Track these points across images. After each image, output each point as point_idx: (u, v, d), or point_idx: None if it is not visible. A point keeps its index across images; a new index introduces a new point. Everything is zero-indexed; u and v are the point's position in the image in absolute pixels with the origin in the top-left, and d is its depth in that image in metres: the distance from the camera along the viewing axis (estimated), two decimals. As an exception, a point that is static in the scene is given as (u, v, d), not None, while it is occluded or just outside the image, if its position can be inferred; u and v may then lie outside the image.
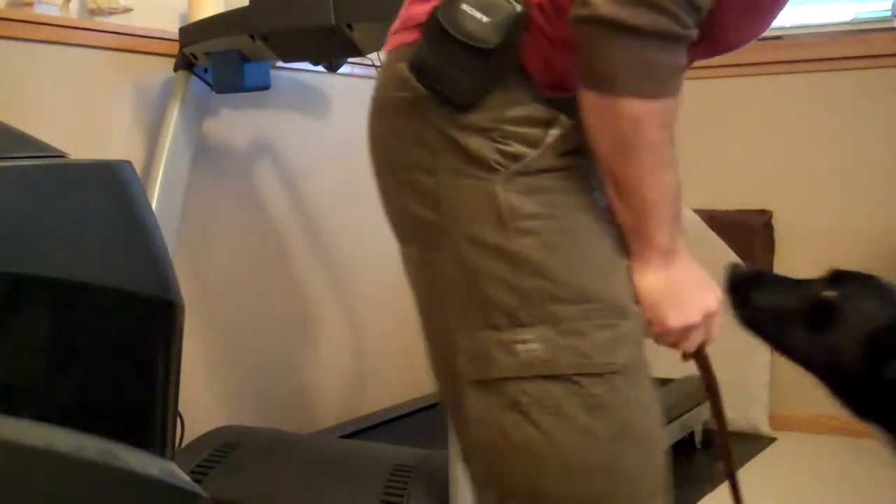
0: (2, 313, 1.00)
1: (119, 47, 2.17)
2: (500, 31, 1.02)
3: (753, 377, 2.96)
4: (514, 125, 1.04)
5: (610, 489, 1.05)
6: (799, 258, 3.03)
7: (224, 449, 2.10)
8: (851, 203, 2.98)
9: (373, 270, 2.96)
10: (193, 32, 2.13)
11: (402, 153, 1.12)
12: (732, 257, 2.79)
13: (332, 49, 2.06)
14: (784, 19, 3.16)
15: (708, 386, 1.20)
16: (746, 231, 3.06)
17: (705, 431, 2.96)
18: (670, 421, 2.64)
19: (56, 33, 2.03)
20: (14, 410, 1.01)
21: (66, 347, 1.06)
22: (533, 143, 1.04)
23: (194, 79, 2.19)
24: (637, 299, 1.08)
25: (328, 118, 2.79)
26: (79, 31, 2.08)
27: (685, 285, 1.09)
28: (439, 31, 1.04)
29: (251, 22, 2.02)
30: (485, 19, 1.02)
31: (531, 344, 1.03)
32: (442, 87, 1.05)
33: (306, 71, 2.65)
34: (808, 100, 3.05)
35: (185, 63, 2.19)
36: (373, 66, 2.71)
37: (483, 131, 1.04)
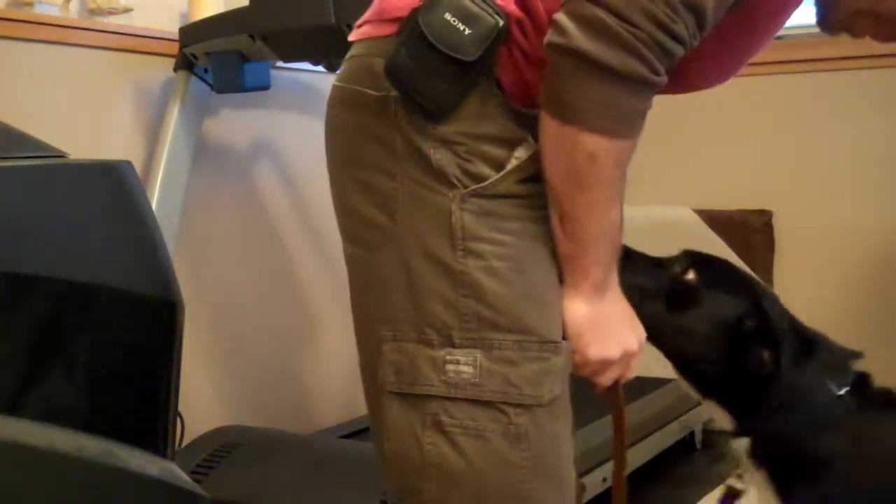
0: (2, 313, 1.00)
1: (119, 47, 2.17)
2: (481, 44, 1.00)
3: (753, 377, 2.96)
4: (481, 142, 1.03)
5: None
6: (799, 258, 3.03)
7: (224, 449, 2.10)
8: (851, 203, 2.98)
9: (373, 270, 2.96)
10: (193, 32, 2.13)
11: (363, 150, 1.10)
12: (732, 257, 2.79)
13: (332, 49, 2.06)
14: (784, 19, 3.16)
15: (615, 421, 1.20)
16: (746, 231, 3.06)
17: (705, 431, 2.96)
18: (670, 421, 2.64)
19: (56, 33, 2.03)
20: (14, 410, 1.01)
21: (66, 347, 1.06)
22: (496, 165, 1.03)
23: (194, 79, 2.19)
24: (563, 327, 1.08)
25: (328, 118, 2.79)
26: (79, 31, 2.08)
27: (611, 321, 1.09)
28: (418, 37, 1.01)
29: (251, 22, 2.02)
30: (467, 31, 1.00)
31: (462, 366, 1.03)
32: (415, 94, 1.03)
33: (306, 71, 2.65)
34: (808, 100, 3.05)
35: (185, 63, 2.19)
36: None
37: (449, 144, 1.04)
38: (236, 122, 2.50)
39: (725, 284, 1.33)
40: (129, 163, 1.15)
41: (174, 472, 1.16)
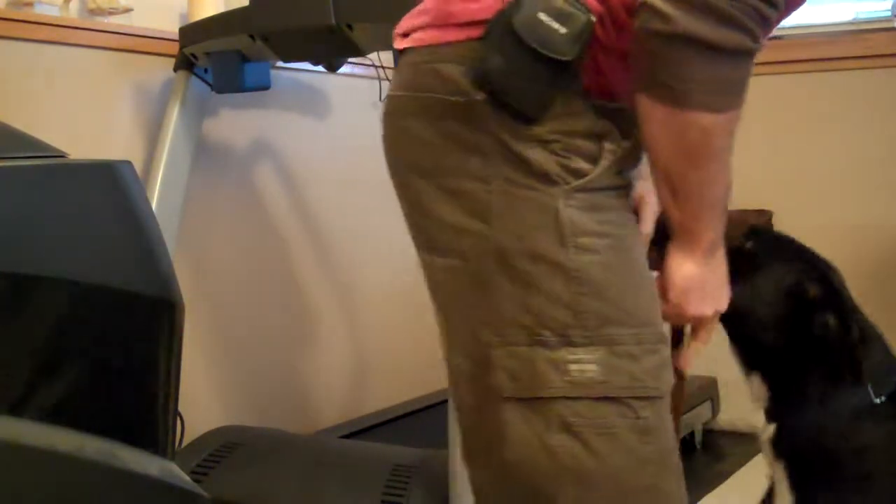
0: (2, 313, 1.00)
1: (119, 47, 2.17)
2: (576, 42, 1.00)
3: (753, 377, 2.96)
4: (574, 138, 1.03)
5: None
6: (799, 258, 3.03)
7: (224, 449, 2.10)
8: (851, 203, 2.98)
9: (373, 270, 2.96)
10: (193, 32, 2.13)
11: (448, 159, 1.07)
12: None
13: (332, 49, 2.06)
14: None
15: (675, 391, 1.16)
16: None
17: (705, 431, 2.97)
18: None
19: (56, 33, 2.03)
20: (14, 410, 1.01)
21: (67, 347, 1.06)
22: (591, 159, 1.03)
23: (194, 79, 2.19)
24: (665, 270, 1.10)
25: (328, 118, 2.79)
26: (79, 31, 2.08)
27: (713, 282, 1.12)
28: (512, 40, 1.01)
29: (251, 22, 2.02)
30: (562, 30, 1.00)
31: (586, 364, 1.01)
32: (511, 98, 1.02)
33: (306, 71, 2.65)
34: (808, 100, 3.05)
35: (185, 63, 2.18)
36: (373, 66, 2.72)
37: (545, 143, 1.03)
38: (236, 122, 2.50)
39: (789, 254, 1.34)
40: (129, 163, 1.15)
41: (174, 472, 1.16)
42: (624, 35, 1.00)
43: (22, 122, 1.21)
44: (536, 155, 1.03)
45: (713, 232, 1.08)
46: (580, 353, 1.01)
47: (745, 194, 3.13)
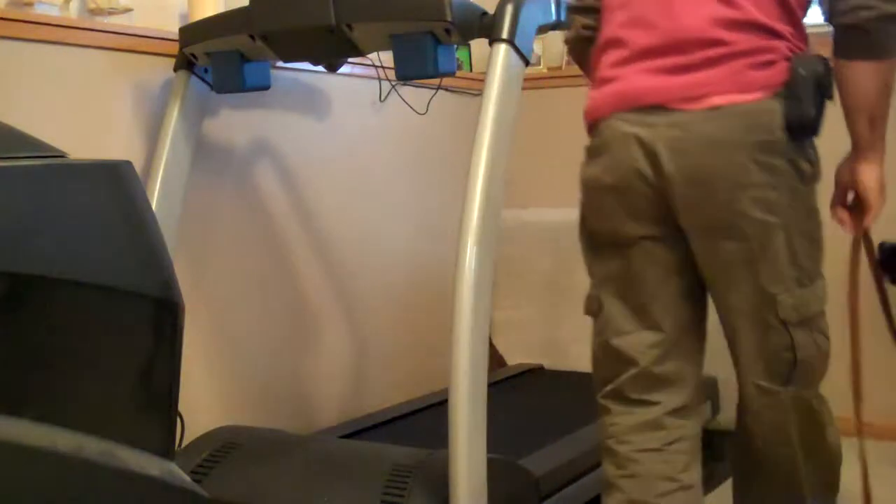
0: (2, 313, 1.00)
1: (119, 47, 2.17)
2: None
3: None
4: (809, 149, 1.68)
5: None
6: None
7: (224, 449, 2.10)
8: (851, 203, 2.98)
9: (373, 270, 2.96)
10: (193, 32, 2.13)
11: (756, 176, 1.60)
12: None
13: (332, 49, 2.06)
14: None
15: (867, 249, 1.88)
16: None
17: (705, 431, 2.96)
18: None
19: (56, 33, 2.03)
20: (14, 410, 1.01)
21: (67, 347, 1.06)
22: (814, 163, 1.69)
23: (194, 79, 2.19)
24: (860, 182, 1.73)
25: (328, 118, 2.79)
26: (79, 31, 2.08)
27: (882, 179, 1.73)
28: (817, 94, 1.63)
29: (251, 22, 2.02)
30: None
31: (820, 291, 1.70)
32: (813, 132, 1.66)
33: (306, 71, 2.65)
34: (808, 100, 3.05)
35: (185, 63, 2.18)
36: (373, 66, 2.72)
37: (807, 157, 1.66)
38: (236, 122, 2.50)
39: None
40: (129, 163, 1.15)
41: (174, 472, 1.16)
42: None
43: (22, 122, 1.21)
44: (805, 166, 1.65)
45: (883, 143, 1.71)
46: (818, 285, 1.70)
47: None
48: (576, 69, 3.44)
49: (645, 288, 1.74)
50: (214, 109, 2.41)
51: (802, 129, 1.61)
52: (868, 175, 1.72)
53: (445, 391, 1.77)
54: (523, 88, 1.89)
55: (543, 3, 1.90)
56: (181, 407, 1.27)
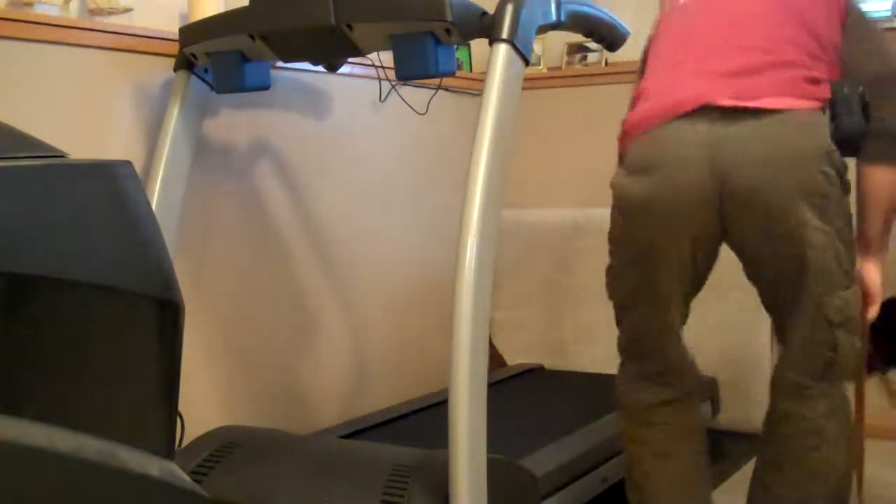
0: (2, 313, 1.00)
1: (119, 47, 2.17)
2: None
3: (753, 377, 2.96)
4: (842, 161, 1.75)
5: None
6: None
7: (224, 449, 2.10)
8: (851, 203, 2.97)
9: (373, 270, 2.96)
10: (193, 32, 2.13)
11: (815, 185, 1.68)
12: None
13: (332, 49, 2.06)
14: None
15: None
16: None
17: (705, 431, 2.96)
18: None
19: (56, 33, 2.03)
20: (14, 410, 1.01)
21: (66, 347, 1.06)
22: (846, 172, 1.76)
23: (194, 79, 2.19)
24: (867, 279, 1.89)
25: (328, 118, 2.79)
26: (79, 31, 2.08)
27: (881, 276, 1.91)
28: (862, 108, 1.73)
29: (251, 22, 2.02)
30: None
31: (858, 295, 1.81)
32: (857, 149, 1.77)
33: (306, 71, 2.65)
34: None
35: (185, 63, 2.18)
36: (373, 66, 2.72)
37: (845, 165, 1.74)
38: (236, 122, 2.50)
39: None
40: (129, 163, 1.15)
41: (174, 472, 1.16)
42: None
43: (22, 122, 1.21)
44: (845, 176, 1.74)
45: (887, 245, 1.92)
46: (856, 291, 1.80)
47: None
48: (576, 69, 3.46)
49: (662, 290, 1.86)
50: (214, 109, 2.42)
51: (850, 142, 1.73)
52: (875, 273, 1.90)
53: (445, 391, 1.77)
54: (523, 88, 1.89)
55: (543, 3, 1.90)
56: (181, 407, 1.27)
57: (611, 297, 1.99)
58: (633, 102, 1.90)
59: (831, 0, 1.83)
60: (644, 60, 1.99)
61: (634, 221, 1.82)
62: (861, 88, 1.72)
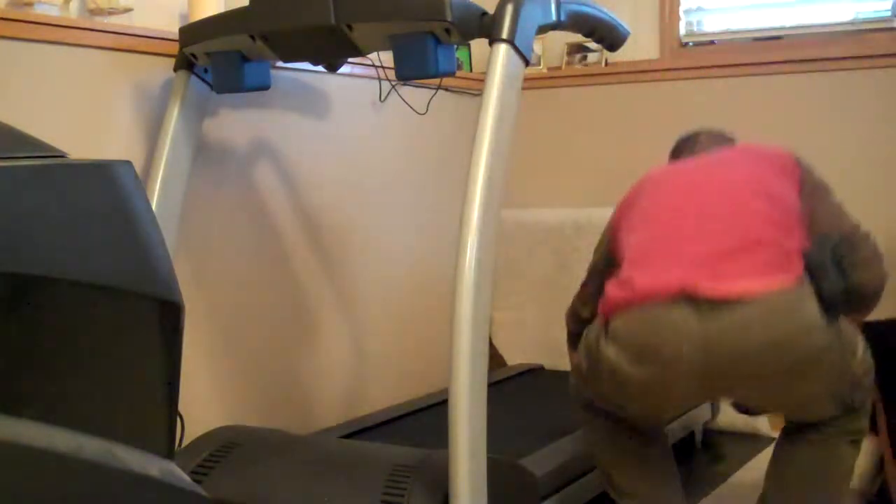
0: (2, 313, 1.00)
1: (119, 47, 2.17)
2: None
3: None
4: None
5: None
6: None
7: (224, 449, 2.10)
8: (851, 203, 2.97)
9: (373, 270, 2.96)
10: (193, 32, 2.13)
11: (811, 352, 1.73)
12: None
13: (332, 49, 2.06)
14: (784, 19, 3.16)
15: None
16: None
17: (705, 431, 2.97)
18: (670, 421, 2.64)
19: (56, 33, 2.03)
20: (14, 410, 1.01)
21: (66, 347, 1.06)
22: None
23: (194, 79, 2.19)
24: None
25: (328, 118, 2.79)
26: (79, 31, 2.08)
27: None
28: (838, 262, 1.84)
29: (251, 22, 2.03)
30: None
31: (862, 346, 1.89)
32: (843, 306, 1.82)
33: (306, 71, 2.65)
34: (808, 100, 3.05)
35: (185, 63, 2.19)
36: (373, 66, 2.72)
37: (836, 314, 1.80)
38: (236, 122, 2.50)
39: None
40: (129, 163, 1.15)
41: (174, 472, 1.16)
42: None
43: (22, 122, 1.21)
44: (837, 315, 1.79)
45: None
46: (862, 345, 1.90)
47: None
48: (576, 69, 3.46)
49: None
50: (214, 109, 2.42)
51: (833, 302, 1.75)
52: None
53: (445, 391, 1.77)
54: (523, 88, 1.89)
55: (543, 3, 1.90)
56: (181, 407, 1.27)
57: (579, 395, 2.06)
58: (612, 274, 1.89)
59: (788, 171, 1.93)
60: (617, 221, 2.01)
61: (629, 393, 1.83)
62: (833, 245, 1.81)
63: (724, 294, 1.68)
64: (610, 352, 1.79)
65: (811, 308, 1.71)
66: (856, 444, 1.91)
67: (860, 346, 1.87)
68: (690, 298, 1.69)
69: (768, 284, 1.69)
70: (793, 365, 1.72)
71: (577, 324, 2.12)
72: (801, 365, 1.73)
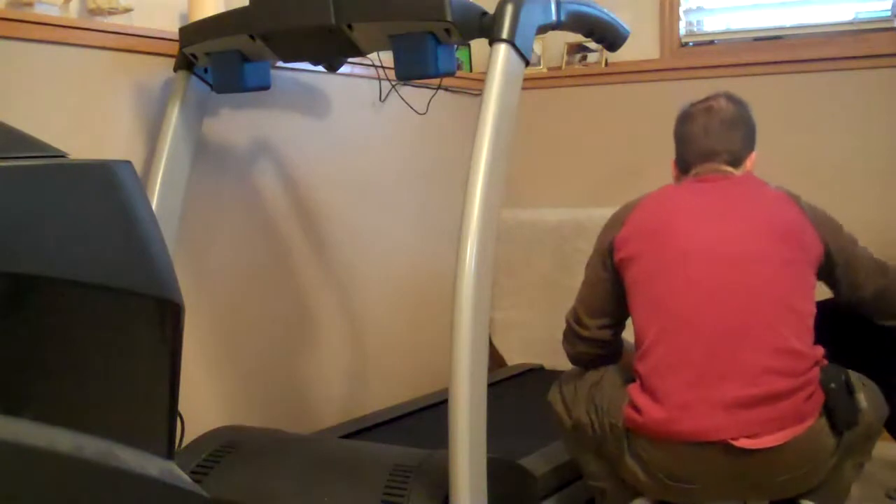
0: (2, 313, 1.00)
1: (119, 47, 2.17)
2: None
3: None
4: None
5: None
6: (799, 258, 3.02)
7: (224, 449, 2.10)
8: (851, 203, 2.98)
9: (372, 270, 2.96)
10: (193, 32, 2.13)
11: (824, 453, 1.84)
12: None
13: (332, 49, 2.06)
14: (784, 19, 3.16)
15: None
16: (746, 231, 3.07)
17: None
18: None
19: (56, 33, 2.03)
20: (14, 410, 1.01)
21: (66, 347, 1.06)
22: None
23: (194, 79, 2.19)
24: None
25: (328, 118, 2.79)
26: (79, 31, 2.08)
27: None
28: (849, 398, 1.86)
29: (251, 22, 2.02)
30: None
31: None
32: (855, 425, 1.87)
33: (306, 71, 2.65)
34: (808, 100, 3.05)
35: (185, 63, 2.19)
36: (373, 66, 2.72)
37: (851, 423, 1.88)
38: (236, 122, 2.50)
39: None
40: (129, 163, 1.15)
41: (174, 472, 1.16)
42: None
43: (22, 122, 1.21)
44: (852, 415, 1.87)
45: None
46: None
47: (745, 194, 3.12)
48: (576, 69, 3.46)
49: None
50: (214, 109, 2.42)
51: (850, 427, 1.84)
52: None
53: (445, 391, 1.77)
54: (523, 88, 1.89)
55: (543, 3, 1.90)
56: (181, 407, 1.27)
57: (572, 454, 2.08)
58: (636, 377, 1.90)
59: (805, 246, 1.94)
60: (627, 247, 1.99)
61: (650, 492, 1.93)
62: (843, 378, 1.84)
63: (755, 446, 1.77)
64: (634, 467, 1.88)
65: (825, 442, 1.82)
66: (860, 466, 1.97)
67: (873, 429, 1.93)
68: (724, 444, 1.78)
69: (792, 433, 1.78)
70: (807, 476, 1.86)
71: (577, 343, 2.09)
72: (817, 476, 1.87)
